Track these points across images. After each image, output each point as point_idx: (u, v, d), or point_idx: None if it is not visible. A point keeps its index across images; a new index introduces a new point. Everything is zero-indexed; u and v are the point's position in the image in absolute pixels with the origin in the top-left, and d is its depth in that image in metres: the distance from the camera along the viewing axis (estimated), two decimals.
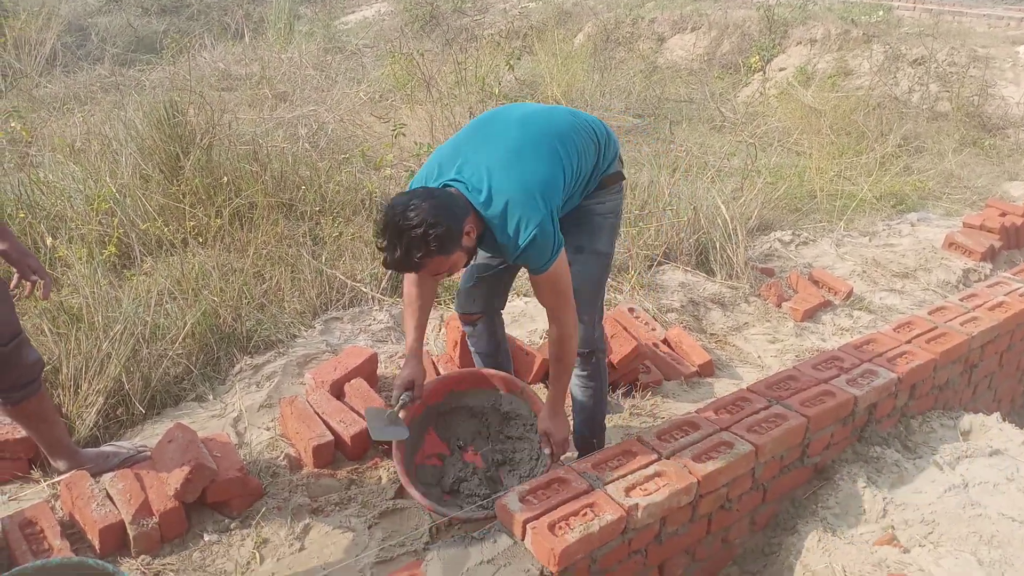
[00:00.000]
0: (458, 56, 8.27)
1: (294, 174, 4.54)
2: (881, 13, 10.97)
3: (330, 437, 2.70)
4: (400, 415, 2.47)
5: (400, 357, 3.37)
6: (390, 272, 3.73)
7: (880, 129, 7.41)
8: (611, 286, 4.17)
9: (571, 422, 2.78)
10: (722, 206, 4.58)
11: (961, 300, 3.56)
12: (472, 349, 2.92)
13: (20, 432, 2.55)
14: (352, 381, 2.94)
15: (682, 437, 2.54)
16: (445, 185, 2.26)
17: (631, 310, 3.81)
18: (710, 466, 2.39)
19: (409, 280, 2.52)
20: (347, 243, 4.01)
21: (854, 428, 2.87)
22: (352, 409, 2.83)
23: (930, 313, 3.41)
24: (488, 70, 8.05)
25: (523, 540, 2.17)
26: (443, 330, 3.52)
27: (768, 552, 2.65)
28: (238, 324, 3.28)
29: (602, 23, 11.80)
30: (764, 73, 9.81)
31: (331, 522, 2.50)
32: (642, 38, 11.59)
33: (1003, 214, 5.33)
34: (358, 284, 3.70)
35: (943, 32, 10.11)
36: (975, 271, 4.92)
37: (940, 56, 8.99)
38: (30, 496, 2.54)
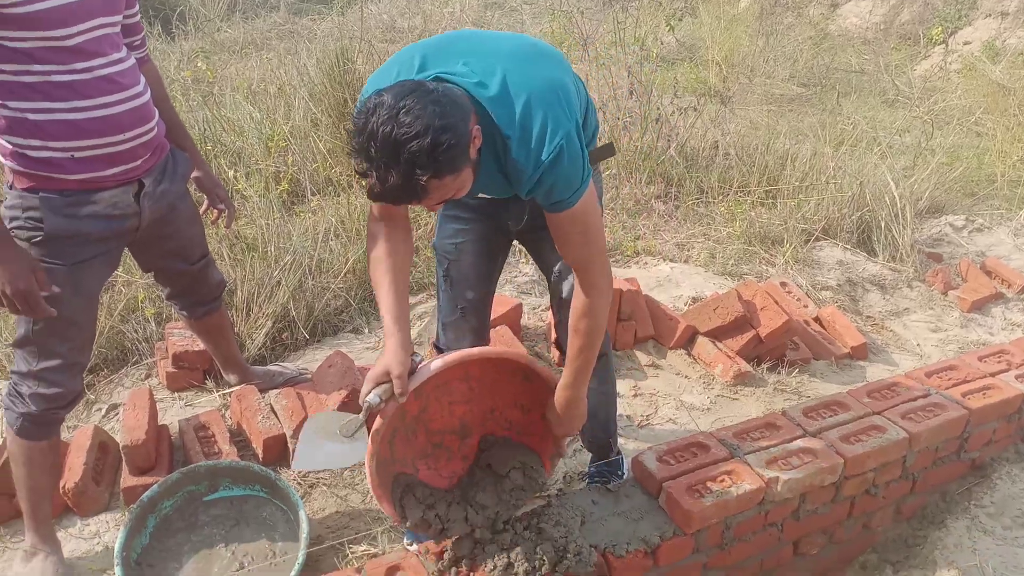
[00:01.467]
0: (618, 15, 8.14)
1: None
2: None
3: None
4: (363, 425, 1.78)
5: (544, 310, 3.42)
6: None
7: None
8: (764, 259, 4.05)
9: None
10: (892, 183, 4.33)
11: None
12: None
13: (199, 345, 2.79)
14: (498, 327, 3.02)
15: (830, 416, 2.47)
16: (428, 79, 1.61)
17: (783, 284, 3.70)
18: (859, 448, 2.31)
19: (374, 233, 1.83)
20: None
21: (1019, 427, 2.69)
22: None
23: None
24: (648, 30, 7.89)
25: (658, 498, 2.19)
26: None
27: (912, 543, 2.54)
28: None
29: None
30: (946, 46, 9.09)
31: None
32: (813, 3, 10.97)
33: None
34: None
35: None
36: None
37: None
38: (203, 404, 2.78)
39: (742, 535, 2.23)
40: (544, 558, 1.93)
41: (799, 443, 2.32)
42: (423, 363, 1.84)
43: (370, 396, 1.71)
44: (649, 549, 2.07)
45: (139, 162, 2.03)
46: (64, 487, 2.28)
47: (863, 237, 4.25)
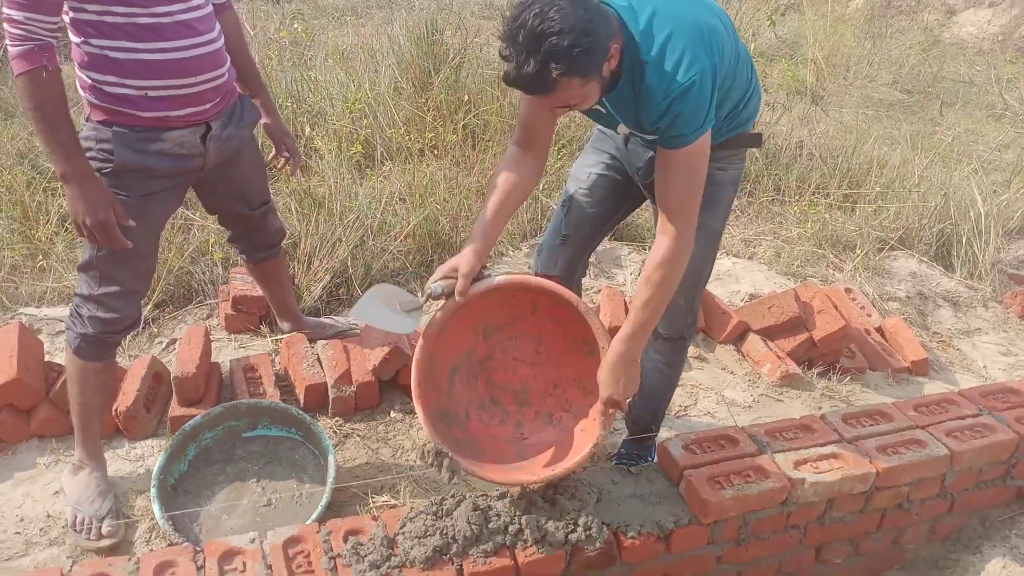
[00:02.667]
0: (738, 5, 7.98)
1: None
2: None
3: None
4: (421, 307, 1.94)
5: (595, 293, 3.43)
6: None
7: None
8: (832, 263, 3.94)
9: (635, 400, 2.39)
10: (979, 198, 4.14)
11: None
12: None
13: (257, 291, 2.91)
14: None
15: (871, 425, 2.40)
16: None
17: (848, 290, 3.60)
18: (895, 461, 2.25)
19: (507, 156, 1.98)
20: (567, 175, 4.09)
21: None
22: None
23: None
24: (748, 24, 7.71)
25: (678, 485, 2.18)
26: None
27: (942, 566, 2.46)
28: (454, 233, 3.49)
29: None
30: None
31: None
32: (929, 8, 10.49)
33: None
34: None
35: None
36: None
37: None
38: (256, 347, 2.91)
39: (760, 533, 2.20)
40: (555, 529, 1.96)
41: (832, 448, 2.28)
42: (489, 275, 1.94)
43: (434, 285, 1.84)
44: (662, 534, 2.07)
45: (208, 105, 2.13)
46: (116, 410, 2.43)
47: (941, 251, 4.09)
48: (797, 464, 2.21)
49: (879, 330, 3.45)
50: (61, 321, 2.84)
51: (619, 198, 2.25)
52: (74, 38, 1.96)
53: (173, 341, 2.90)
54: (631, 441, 2.53)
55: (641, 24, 1.71)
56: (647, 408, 2.44)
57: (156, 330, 2.95)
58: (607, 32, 1.63)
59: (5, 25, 1.81)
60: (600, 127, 2.22)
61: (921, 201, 4.21)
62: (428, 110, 4.33)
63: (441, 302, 1.89)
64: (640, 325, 1.89)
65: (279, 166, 2.60)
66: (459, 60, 4.64)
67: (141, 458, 2.43)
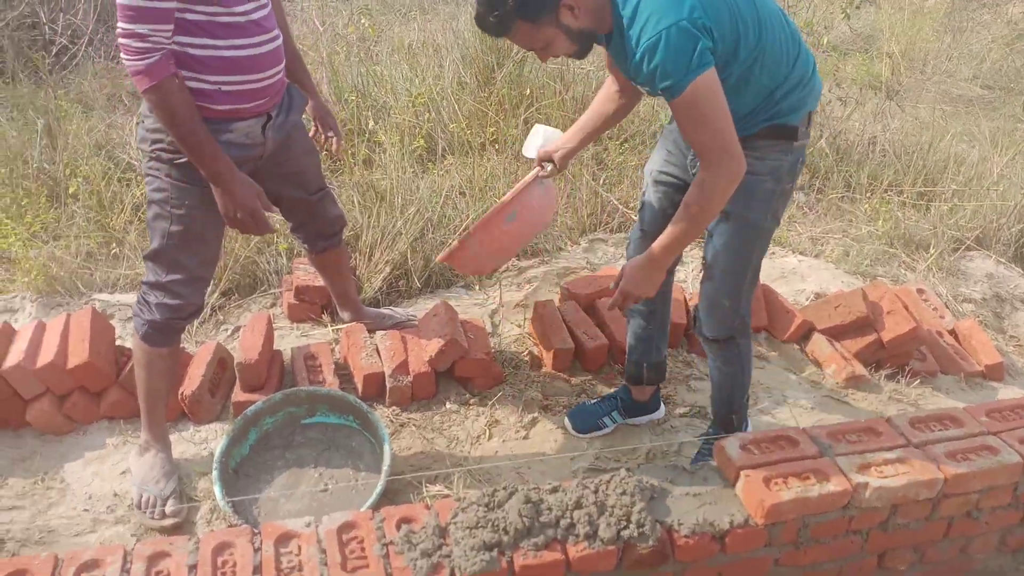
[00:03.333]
0: None
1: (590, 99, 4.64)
2: None
3: (571, 345, 2.82)
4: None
5: None
6: None
7: None
8: (904, 263, 3.81)
9: (711, 398, 2.53)
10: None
11: None
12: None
13: (319, 281, 2.96)
14: (603, 299, 3.02)
15: (939, 430, 2.31)
16: None
17: (920, 291, 3.47)
18: (963, 467, 2.16)
19: (604, 86, 2.27)
20: (629, 170, 4.05)
21: None
22: (598, 325, 2.92)
23: None
24: (821, 17, 7.50)
25: (734, 486, 2.14)
26: None
27: None
28: None
29: None
30: None
31: (556, 421, 2.64)
32: (1014, 1, 10.05)
33: None
34: (629, 211, 3.74)
35: None
36: None
37: None
38: (317, 336, 2.96)
39: (820, 537, 2.14)
40: (607, 525, 1.94)
41: (898, 452, 2.20)
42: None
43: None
44: (717, 534, 2.04)
45: (269, 98, 2.18)
46: (183, 394, 2.51)
47: (1021, 251, 3.91)
48: (861, 468, 2.14)
49: (952, 332, 3.32)
50: (132, 307, 2.95)
51: (680, 195, 2.19)
52: None
53: (238, 328, 2.98)
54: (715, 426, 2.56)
55: None
56: (721, 402, 2.49)
57: (222, 317, 3.04)
58: None
59: (125, 41, 1.87)
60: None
61: (1000, 200, 4.03)
62: (490, 105, 4.34)
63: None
64: (673, 239, 1.97)
65: (322, 144, 2.66)
66: (522, 54, 4.64)
67: (204, 441, 2.50)
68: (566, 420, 2.65)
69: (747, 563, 2.12)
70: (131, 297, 3.07)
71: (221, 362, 2.67)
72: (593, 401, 2.70)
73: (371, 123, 3.85)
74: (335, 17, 6.86)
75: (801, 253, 3.76)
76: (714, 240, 2.15)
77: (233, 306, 3.10)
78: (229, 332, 2.97)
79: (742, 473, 2.11)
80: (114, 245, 3.31)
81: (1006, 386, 3.13)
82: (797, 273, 3.58)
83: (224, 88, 2.07)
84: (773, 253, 3.77)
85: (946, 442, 2.25)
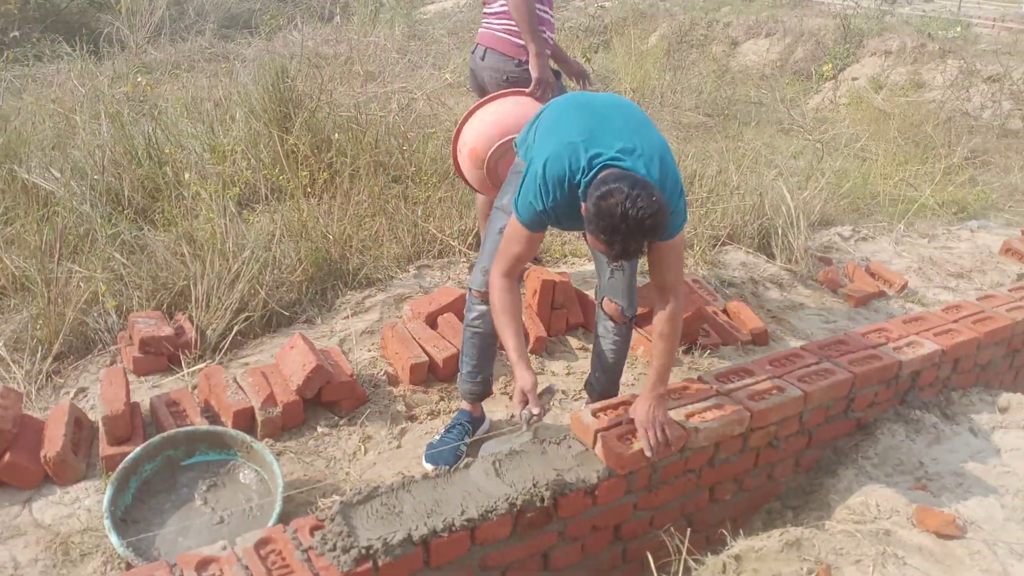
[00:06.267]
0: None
1: (388, 141, 4.95)
2: (959, 29, 11.00)
3: (425, 358, 3.07)
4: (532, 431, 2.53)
5: None
6: (476, 228, 4.10)
7: (948, 140, 7.53)
8: None
9: (596, 379, 2.93)
10: (787, 194, 4.84)
11: (1010, 291, 3.78)
12: (479, 331, 2.74)
13: (164, 331, 2.97)
14: (444, 315, 3.31)
15: (738, 380, 2.85)
16: (604, 166, 2.21)
17: (695, 281, 4.11)
18: (762, 404, 2.69)
19: (502, 287, 2.42)
20: (436, 204, 4.39)
21: (897, 391, 3.14)
22: (444, 337, 3.20)
23: (978, 299, 3.65)
24: None
25: (594, 448, 2.51)
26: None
27: (809, 491, 2.94)
28: (344, 262, 3.68)
29: (677, 24, 12.04)
30: (836, 81, 9.95)
31: (424, 428, 2.87)
32: (716, 41, 11.79)
33: None
34: (447, 238, 4.07)
35: (1021, 51, 10.11)
36: None
37: (1015, 74, 9.03)
38: (168, 385, 2.96)
39: (666, 479, 2.56)
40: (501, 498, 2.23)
41: (712, 400, 2.69)
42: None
43: (524, 413, 2.37)
44: (589, 489, 2.38)
45: None
46: (45, 457, 2.44)
47: (763, 242, 4.74)
48: (688, 416, 2.60)
49: (725, 311, 3.97)
50: None
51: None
52: None
53: (82, 390, 2.90)
54: None
55: (642, 166, 2.20)
56: (611, 381, 2.91)
57: (61, 381, 2.94)
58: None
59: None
60: None
61: (741, 202, 4.85)
62: (296, 151, 4.50)
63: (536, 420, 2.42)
64: (666, 368, 2.45)
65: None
66: (315, 104, 4.84)
67: (77, 500, 2.44)
68: (426, 464, 2.70)
69: (614, 511, 2.49)
70: None
71: (77, 422, 2.61)
72: (438, 437, 2.80)
73: (186, 174, 3.86)
74: (94, 80, 6.61)
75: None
76: None
77: (70, 368, 3.00)
78: (72, 394, 2.89)
79: (599, 435, 2.48)
80: None
81: (771, 348, 3.80)
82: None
83: None
84: (574, 263, 4.28)
85: (745, 388, 2.79)
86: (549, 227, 2.49)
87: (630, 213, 2.00)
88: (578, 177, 2.24)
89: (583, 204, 2.16)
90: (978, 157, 7.56)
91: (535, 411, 2.36)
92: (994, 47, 10.29)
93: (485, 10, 3.56)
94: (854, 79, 10.02)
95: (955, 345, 3.23)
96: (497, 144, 3.14)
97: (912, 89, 9.22)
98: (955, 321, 3.40)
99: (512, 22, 3.38)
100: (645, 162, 2.21)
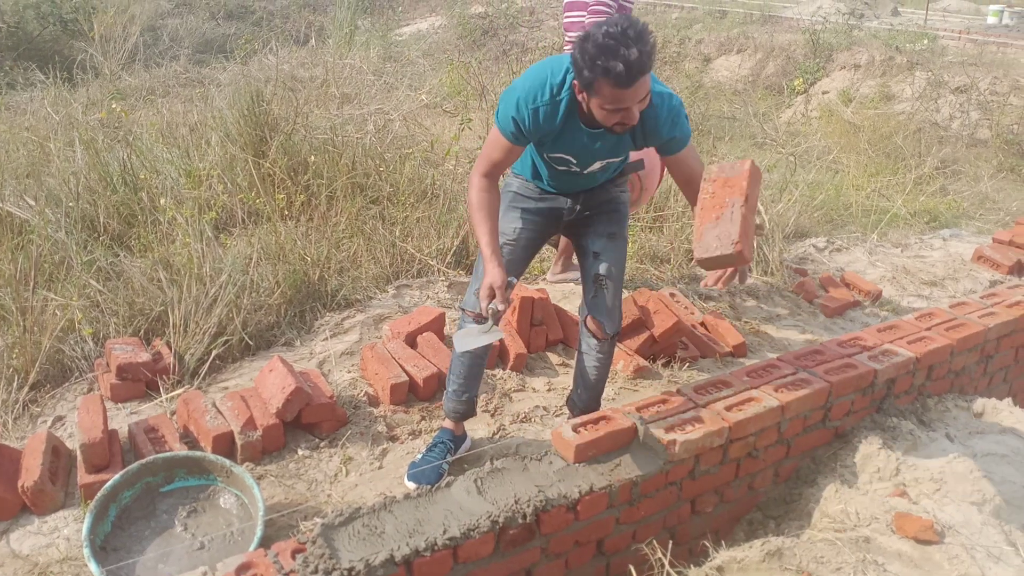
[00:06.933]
0: (513, 66, 8.71)
1: (364, 162, 4.97)
2: (926, 42, 11.21)
3: (405, 378, 3.08)
4: (493, 325, 2.48)
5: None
6: (455, 247, 4.13)
7: (918, 151, 7.67)
8: (654, 274, 4.51)
9: (579, 395, 2.95)
10: (760, 207, 4.89)
11: (981, 298, 3.85)
12: (468, 350, 2.69)
13: (141, 357, 2.96)
14: (424, 334, 3.31)
15: (716, 392, 2.87)
16: None
17: (672, 295, 4.14)
18: (740, 415, 2.72)
19: (480, 187, 2.48)
20: (414, 224, 4.41)
21: (873, 399, 3.17)
22: (424, 357, 3.21)
23: (951, 307, 3.70)
24: None
25: (574, 463, 2.52)
26: None
27: (789, 501, 2.96)
28: (322, 284, 3.68)
29: None
30: (807, 95, 10.11)
31: (406, 448, 2.87)
32: (688, 58, 11.95)
33: None
34: (426, 258, 4.09)
35: (987, 62, 10.33)
36: (1001, 283, 5.16)
37: (982, 85, 9.22)
38: (146, 412, 2.95)
39: (647, 492, 2.57)
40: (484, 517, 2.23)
41: (691, 413, 2.71)
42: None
43: (491, 305, 2.40)
44: (571, 504, 2.39)
45: None
46: (23, 486, 2.41)
47: None
48: (668, 429, 2.62)
49: (703, 324, 4.01)
50: None
51: (538, 246, 2.84)
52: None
53: (59, 418, 2.87)
54: None
55: None
56: (593, 398, 2.94)
57: (38, 410, 2.91)
58: None
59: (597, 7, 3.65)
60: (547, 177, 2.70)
61: None
62: (272, 175, 4.51)
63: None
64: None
65: None
66: (291, 127, 4.85)
67: (56, 529, 2.41)
68: (409, 483, 2.69)
69: (596, 526, 2.50)
70: None
71: (55, 450, 2.59)
72: (420, 455, 2.79)
73: (162, 200, 3.85)
74: (68, 107, 6.60)
75: (574, 278, 4.33)
76: (604, 257, 2.64)
77: (47, 397, 2.98)
78: (49, 423, 2.86)
79: (579, 449, 2.49)
80: None
81: (749, 359, 3.84)
82: (576, 293, 4.12)
83: None
84: (546, 279, 4.30)
85: (723, 399, 2.81)
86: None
87: (616, 29, 2.09)
88: (559, 77, 2.32)
89: (572, 88, 2.27)
90: (948, 167, 7.69)
91: (501, 307, 2.40)
92: (960, 59, 10.49)
93: (568, 36, 3.96)
94: (824, 93, 10.18)
95: (929, 352, 3.27)
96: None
97: (881, 101, 9.39)
98: (928, 329, 3.45)
99: None
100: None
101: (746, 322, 4.25)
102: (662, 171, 3.85)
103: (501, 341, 3.34)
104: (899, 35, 11.68)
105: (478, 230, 2.47)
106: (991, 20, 17.58)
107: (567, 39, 4.01)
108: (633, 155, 2.83)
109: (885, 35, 11.67)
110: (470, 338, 2.48)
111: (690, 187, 2.57)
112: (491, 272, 2.41)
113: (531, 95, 2.33)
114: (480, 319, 2.53)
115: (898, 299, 4.82)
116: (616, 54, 2.09)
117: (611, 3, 3.76)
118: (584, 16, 3.88)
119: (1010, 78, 9.45)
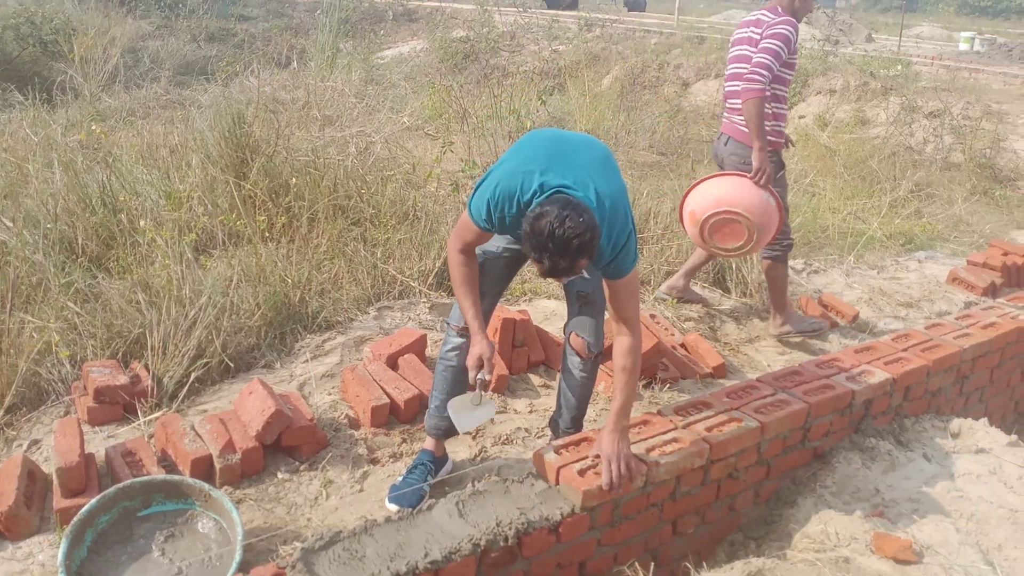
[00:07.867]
0: (494, 89, 8.76)
1: (346, 184, 4.97)
2: (900, 67, 11.42)
3: (386, 400, 3.07)
4: (483, 394, 2.57)
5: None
6: (436, 269, 4.14)
7: (893, 175, 7.78)
8: None
9: (561, 416, 2.94)
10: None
11: (957, 319, 3.90)
12: (452, 364, 2.78)
13: (119, 379, 2.93)
14: (405, 356, 3.31)
15: (696, 413, 2.89)
16: (554, 191, 2.29)
17: (652, 316, 4.17)
18: (720, 436, 2.74)
19: (458, 262, 2.54)
20: (395, 246, 4.41)
21: (851, 420, 3.20)
22: (405, 379, 3.20)
23: (927, 328, 3.76)
24: (521, 104, 8.52)
25: (556, 484, 2.52)
26: None
27: (770, 522, 2.97)
28: (303, 306, 3.67)
29: (629, 67, 12.34)
30: None
31: (387, 471, 2.86)
32: (667, 83, 12.10)
33: (1005, 254, 5.65)
34: (407, 279, 4.09)
35: (959, 87, 10.54)
36: (976, 304, 5.23)
37: (955, 110, 9.39)
38: (124, 435, 2.91)
39: (629, 514, 2.58)
40: (466, 539, 2.23)
41: (672, 434, 2.72)
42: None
43: (479, 376, 2.51)
44: (552, 526, 2.39)
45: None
46: None
47: (718, 277, 4.83)
48: (648, 451, 2.63)
49: (683, 345, 4.03)
50: None
51: (514, 272, 2.86)
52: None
53: (35, 442, 2.84)
54: None
55: (594, 202, 2.30)
56: (575, 419, 2.93)
57: (14, 433, 2.87)
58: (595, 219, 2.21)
59: (758, 71, 3.73)
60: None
61: None
62: (253, 197, 4.50)
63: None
64: (628, 402, 2.55)
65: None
66: (272, 149, 4.86)
67: (31, 555, 2.38)
68: (390, 505, 2.68)
69: (578, 548, 2.49)
70: None
71: (30, 474, 2.55)
72: (401, 478, 2.79)
73: (142, 221, 3.84)
74: (47, 128, 6.56)
75: (555, 297, 4.34)
76: (588, 278, 2.64)
77: (23, 421, 2.94)
78: (24, 447, 2.82)
79: (561, 472, 2.50)
80: None
81: (729, 380, 3.86)
82: (556, 313, 4.13)
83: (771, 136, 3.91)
84: (530, 300, 4.32)
85: (703, 420, 2.83)
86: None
87: (557, 232, 2.11)
88: (527, 197, 2.34)
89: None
90: (923, 190, 7.81)
91: (487, 377, 2.51)
92: (934, 84, 10.70)
93: (728, 104, 4.15)
94: (800, 117, 10.33)
95: (905, 373, 3.31)
96: (711, 212, 3.84)
97: (857, 126, 9.54)
98: (904, 350, 3.50)
99: None
100: (596, 196, 2.31)
101: (726, 343, 4.28)
102: (780, 222, 3.97)
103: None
104: (873, 61, 11.89)
105: (463, 303, 2.56)
106: (963, 47, 18.00)
107: (728, 106, 4.16)
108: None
109: (860, 61, 11.87)
110: (464, 413, 2.56)
111: (615, 329, 2.58)
112: (478, 343, 2.51)
113: (500, 204, 2.38)
114: (464, 332, 2.66)
115: (875, 320, 4.87)
116: (543, 251, 2.15)
117: (765, 73, 3.73)
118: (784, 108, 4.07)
119: (982, 103, 9.64)
